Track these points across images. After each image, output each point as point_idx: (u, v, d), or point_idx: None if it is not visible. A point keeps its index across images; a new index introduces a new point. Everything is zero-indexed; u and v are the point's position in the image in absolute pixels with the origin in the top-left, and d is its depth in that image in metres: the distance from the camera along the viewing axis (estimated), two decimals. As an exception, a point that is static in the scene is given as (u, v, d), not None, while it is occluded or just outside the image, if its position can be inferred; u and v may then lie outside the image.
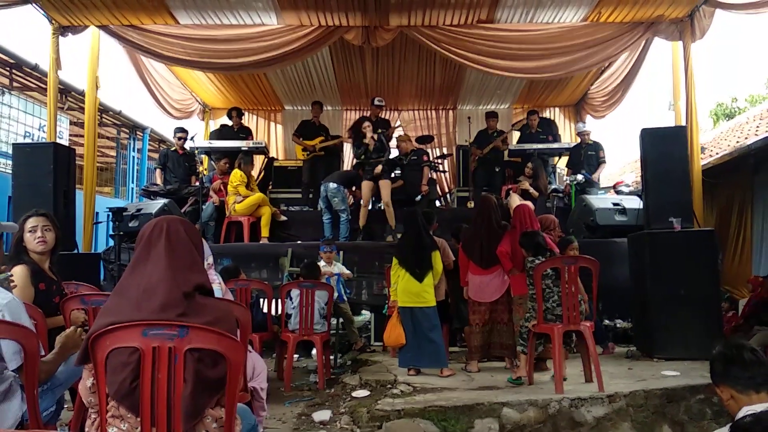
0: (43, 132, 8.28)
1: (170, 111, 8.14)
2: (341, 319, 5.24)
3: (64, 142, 8.40)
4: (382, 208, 6.76)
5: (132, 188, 11.11)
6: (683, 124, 5.85)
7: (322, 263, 5.28)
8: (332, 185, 6.55)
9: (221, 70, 7.28)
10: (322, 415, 3.58)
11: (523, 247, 3.97)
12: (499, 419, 3.30)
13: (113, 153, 11.33)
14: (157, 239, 1.70)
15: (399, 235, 6.63)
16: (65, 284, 3.54)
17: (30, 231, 2.91)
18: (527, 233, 4.04)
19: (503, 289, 4.28)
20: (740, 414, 1.72)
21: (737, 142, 7.17)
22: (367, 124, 6.71)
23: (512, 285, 4.21)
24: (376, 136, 6.62)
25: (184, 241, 1.72)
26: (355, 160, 7.79)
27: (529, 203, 4.69)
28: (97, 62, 6.15)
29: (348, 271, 5.47)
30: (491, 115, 8.10)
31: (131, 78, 7.23)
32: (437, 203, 8.39)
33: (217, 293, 2.34)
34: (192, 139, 7.30)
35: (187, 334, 1.58)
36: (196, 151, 7.54)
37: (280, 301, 4.96)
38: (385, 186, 6.60)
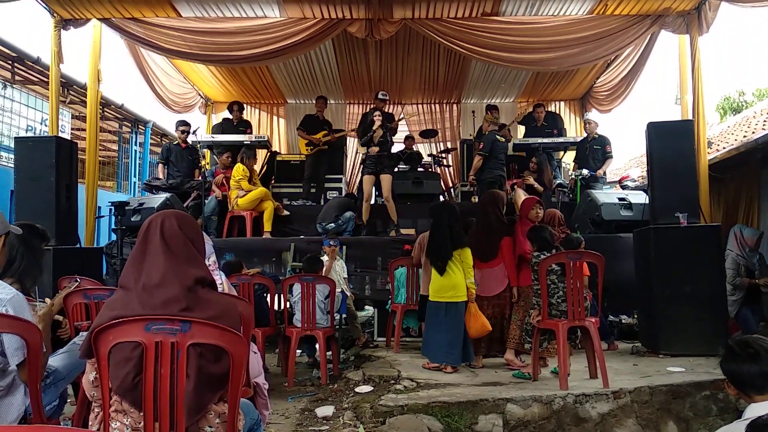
0: (45, 126, 8.28)
1: (170, 105, 8.12)
2: (344, 315, 5.23)
3: (66, 135, 8.39)
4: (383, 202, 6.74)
5: (134, 182, 11.11)
6: (690, 118, 5.80)
7: (325, 258, 5.25)
8: (344, 217, 6.55)
9: (223, 63, 7.24)
10: (325, 410, 3.57)
11: (530, 240, 3.95)
12: (503, 415, 3.29)
13: (115, 147, 11.32)
14: (153, 235, 1.69)
15: (400, 230, 6.68)
16: (65, 278, 3.54)
17: None
18: (535, 227, 4.02)
19: (504, 283, 4.28)
20: (748, 413, 1.68)
21: (744, 136, 7.11)
22: (378, 113, 6.66)
23: (519, 277, 4.23)
24: (380, 122, 6.55)
25: (178, 235, 1.71)
26: (359, 157, 7.77)
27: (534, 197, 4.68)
28: (99, 56, 6.13)
29: (350, 293, 5.38)
30: (492, 108, 8.05)
31: (133, 71, 7.21)
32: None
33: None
34: (194, 133, 7.27)
35: (189, 329, 1.57)
36: (199, 145, 7.51)
37: (282, 295, 4.95)
38: (387, 180, 6.57)
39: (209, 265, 2.48)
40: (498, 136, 6.73)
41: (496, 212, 4.42)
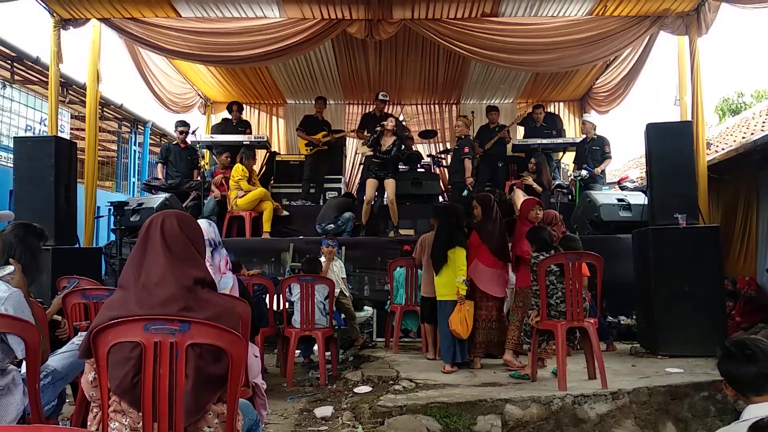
0: (45, 125, 8.27)
1: (169, 105, 8.11)
2: (343, 315, 5.24)
3: (66, 135, 8.38)
4: (386, 203, 6.75)
5: (133, 182, 11.10)
6: (689, 119, 5.80)
7: (323, 259, 5.25)
8: (344, 218, 6.57)
9: (223, 63, 7.24)
10: (324, 410, 3.57)
11: (529, 241, 3.96)
12: (502, 416, 3.29)
13: (114, 147, 11.30)
14: (153, 234, 1.69)
15: (401, 231, 6.69)
16: (64, 278, 3.53)
17: None
18: (534, 228, 4.02)
19: (507, 285, 4.30)
20: (746, 414, 1.68)
21: (743, 137, 7.12)
22: (392, 119, 6.64)
23: (517, 277, 4.24)
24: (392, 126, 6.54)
25: (178, 235, 1.70)
26: (359, 157, 7.77)
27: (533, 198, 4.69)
28: (98, 55, 6.13)
29: (348, 293, 5.37)
30: (492, 109, 8.06)
31: (132, 72, 7.21)
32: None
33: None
34: (194, 133, 7.27)
35: (188, 329, 1.57)
36: (198, 146, 7.51)
37: (281, 296, 4.95)
38: (391, 184, 6.59)
39: (212, 263, 2.43)
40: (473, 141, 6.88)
41: (499, 215, 4.44)
